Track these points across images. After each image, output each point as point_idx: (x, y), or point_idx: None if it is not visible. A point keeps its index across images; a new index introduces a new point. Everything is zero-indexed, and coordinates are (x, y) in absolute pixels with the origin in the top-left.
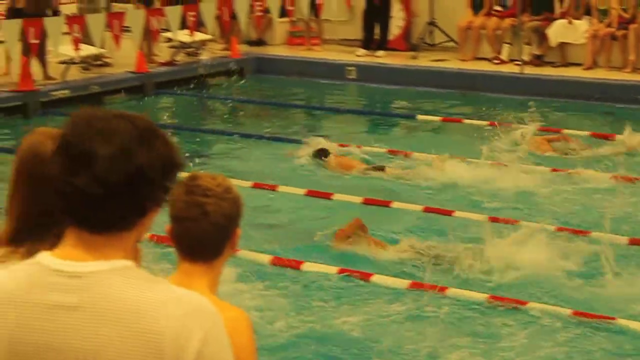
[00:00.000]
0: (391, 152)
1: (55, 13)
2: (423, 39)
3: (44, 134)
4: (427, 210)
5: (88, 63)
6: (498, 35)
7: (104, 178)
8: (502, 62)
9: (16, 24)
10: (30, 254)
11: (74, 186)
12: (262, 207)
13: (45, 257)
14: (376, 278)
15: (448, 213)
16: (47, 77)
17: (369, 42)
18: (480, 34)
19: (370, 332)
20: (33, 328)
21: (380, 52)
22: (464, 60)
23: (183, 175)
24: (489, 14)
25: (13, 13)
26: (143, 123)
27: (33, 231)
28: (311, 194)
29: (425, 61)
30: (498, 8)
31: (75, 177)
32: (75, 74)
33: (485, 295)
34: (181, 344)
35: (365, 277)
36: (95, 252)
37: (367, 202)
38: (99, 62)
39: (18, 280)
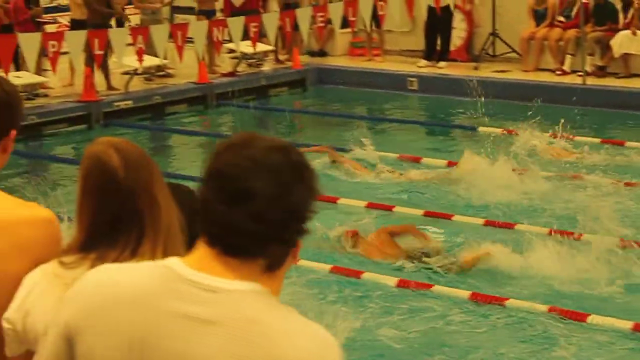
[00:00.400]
0: (451, 163)
1: (120, 23)
2: (485, 49)
3: (107, 144)
4: (488, 223)
5: (151, 74)
6: (561, 46)
7: (261, 216)
8: (565, 73)
9: (80, 35)
10: (100, 259)
11: (227, 219)
12: (322, 219)
13: (177, 264)
14: (436, 289)
15: (509, 226)
16: (110, 87)
17: (431, 53)
18: (543, 45)
19: (428, 342)
20: (159, 333)
21: (442, 63)
22: (526, 71)
23: None
24: (551, 25)
25: (76, 24)
26: (296, 155)
27: (103, 238)
28: (371, 206)
29: (487, 72)
30: (561, 19)
31: (231, 211)
32: (137, 84)
33: (545, 307)
34: None
35: (425, 287)
36: (230, 270)
37: (428, 214)
38: (161, 73)
39: (151, 282)
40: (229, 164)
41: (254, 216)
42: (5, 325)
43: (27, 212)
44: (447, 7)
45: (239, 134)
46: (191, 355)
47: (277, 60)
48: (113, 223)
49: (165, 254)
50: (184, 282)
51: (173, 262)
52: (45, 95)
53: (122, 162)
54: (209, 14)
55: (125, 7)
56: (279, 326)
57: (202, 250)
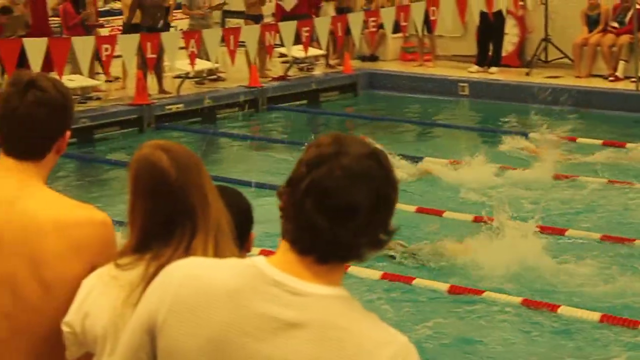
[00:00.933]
0: (502, 167)
1: (167, 26)
2: (537, 55)
3: (155, 146)
4: (543, 229)
5: (202, 77)
6: (614, 52)
7: (364, 228)
8: (618, 79)
9: (133, 38)
10: (155, 259)
11: (330, 234)
12: None
13: (264, 264)
14: (487, 294)
15: (561, 232)
16: (162, 91)
17: (483, 59)
18: (596, 51)
19: (480, 347)
20: (244, 332)
21: (493, 69)
22: (578, 77)
23: None
24: (604, 31)
25: (129, 28)
26: (385, 160)
27: (156, 238)
28: (420, 210)
29: (539, 78)
30: (614, 24)
31: (334, 226)
32: (189, 88)
33: (597, 314)
34: None
35: (477, 293)
36: (318, 275)
37: (477, 219)
38: (212, 77)
39: (239, 281)
40: (327, 178)
41: (359, 230)
42: (65, 328)
43: (83, 213)
44: (499, 13)
45: (326, 138)
46: (274, 357)
47: (328, 65)
48: (166, 223)
49: (217, 249)
50: (272, 283)
51: (260, 262)
52: (98, 99)
53: (172, 163)
54: (256, 18)
55: (174, 12)
56: (364, 333)
57: (289, 255)
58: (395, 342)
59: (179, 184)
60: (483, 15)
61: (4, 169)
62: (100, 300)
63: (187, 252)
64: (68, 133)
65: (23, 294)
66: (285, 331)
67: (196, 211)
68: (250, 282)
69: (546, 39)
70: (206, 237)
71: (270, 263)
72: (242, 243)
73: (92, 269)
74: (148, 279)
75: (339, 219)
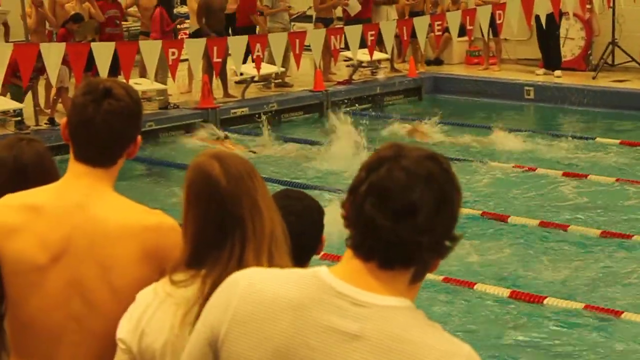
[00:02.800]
0: (565, 174)
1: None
2: (604, 59)
3: (209, 155)
4: (604, 234)
5: (268, 81)
6: None
7: (427, 227)
8: None
9: (200, 42)
10: (210, 275)
11: (394, 234)
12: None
13: (328, 276)
14: (549, 300)
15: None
16: (227, 94)
17: (549, 62)
18: None
19: (542, 356)
20: (307, 344)
21: (558, 72)
22: None
23: None
24: None
25: (194, 32)
26: (445, 162)
27: (208, 250)
28: (486, 215)
29: (605, 82)
30: None
31: (397, 226)
32: (253, 91)
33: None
34: None
35: (537, 300)
36: (381, 284)
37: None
38: (278, 81)
39: (302, 292)
40: (387, 178)
41: (420, 228)
42: (120, 345)
43: (153, 219)
44: (551, 16)
45: (386, 146)
46: None
47: (393, 69)
48: (217, 233)
49: (270, 261)
50: (335, 294)
51: (323, 272)
52: (176, 106)
53: (223, 171)
54: (326, 22)
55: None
56: (427, 344)
57: (353, 263)
58: (460, 353)
59: (228, 193)
60: (537, 18)
61: (75, 174)
62: (156, 318)
63: (240, 265)
64: (139, 138)
65: (92, 299)
66: (348, 343)
67: (246, 221)
68: (313, 293)
69: (613, 42)
70: (258, 249)
71: (333, 273)
72: (313, 247)
73: (162, 274)
74: (205, 297)
75: (400, 217)
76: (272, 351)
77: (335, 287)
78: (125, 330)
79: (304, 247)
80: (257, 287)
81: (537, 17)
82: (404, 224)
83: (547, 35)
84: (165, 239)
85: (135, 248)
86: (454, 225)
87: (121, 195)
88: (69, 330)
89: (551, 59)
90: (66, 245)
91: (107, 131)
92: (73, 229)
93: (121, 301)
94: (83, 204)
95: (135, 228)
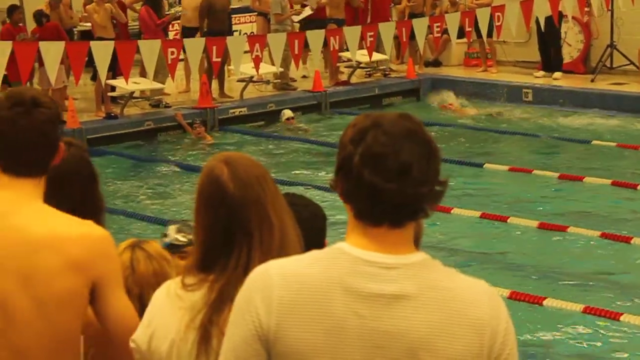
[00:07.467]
0: (562, 177)
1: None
2: (602, 61)
3: (220, 158)
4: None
5: (272, 81)
6: None
7: (424, 178)
8: None
9: (199, 42)
10: (217, 281)
11: (399, 193)
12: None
13: (350, 248)
14: (625, 317)
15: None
16: (222, 95)
17: (548, 64)
18: None
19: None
20: (358, 314)
21: (557, 74)
22: None
23: None
24: None
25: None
26: (417, 119)
27: (217, 254)
28: (484, 216)
29: (603, 84)
30: None
31: (400, 185)
32: (252, 91)
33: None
34: (495, 329)
35: (614, 316)
36: (397, 244)
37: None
38: (277, 81)
39: (334, 268)
40: (376, 144)
41: (418, 180)
42: (132, 345)
43: (81, 229)
44: (550, 19)
45: (358, 117)
46: (392, 332)
47: (391, 70)
48: (225, 239)
49: None
50: (364, 263)
51: (346, 247)
52: (167, 106)
53: (232, 177)
54: (339, 22)
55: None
56: (459, 286)
57: (366, 232)
58: (480, 283)
59: (235, 199)
60: (538, 21)
61: (1, 186)
62: (165, 320)
63: (246, 273)
64: (62, 145)
65: (14, 311)
66: (394, 304)
67: (253, 229)
68: (346, 267)
69: (612, 45)
70: (266, 256)
71: (353, 245)
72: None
73: (93, 285)
74: (210, 304)
75: (399, 176)
76: (327, 328)
77: (361, 256)
78: (138, 330)
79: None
80: (291, 274)
81: (538, 20)
82: (405, 181)
83: (549, 38)
84: (93, 250)
85: (59, 258)
86: (439, 170)
87: (48, 206)
88: None
89: (551, 61)
90: None
91: (43, 140)
92: None
93: (45, 313)
94: (3, 215)
95: (59, 238)
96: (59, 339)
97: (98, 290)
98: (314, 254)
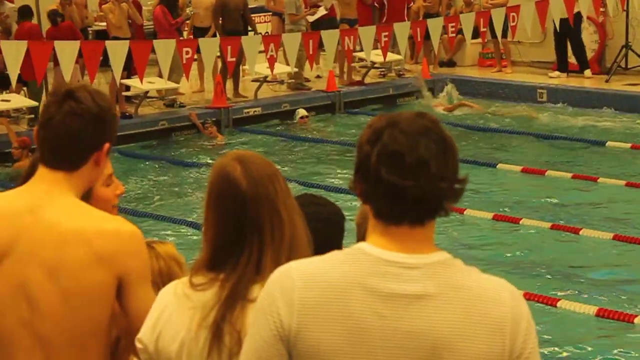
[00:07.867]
0: (575, 176)
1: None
2: (617, 62)
3: (232, 156)
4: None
5: (286, 81)
6: None
7: (441, 174)
8: None
9: (214, 42)
10: (228, 280)
11: (418, 190)
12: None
13: (371, 248)
14: None
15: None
16: (237, 94)
17: (563, 65)
18: None
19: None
20: (380, 314)
21: (587, 72)
22: None
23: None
24: None
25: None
26: (433, 116)
27: (227, 252)
28: (497, 217)
29: (618, 85)
30: None
31: (419, 182)
32: (266, 91)
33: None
34: (516, 328)
35: (628, 319)
36: (418, 243)
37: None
38: (292, 81)
39: (354, 269)
40: (392, 143)
41: (436, 176)
42: (138, 345)
43: (109, 225)
44: (566, 20)
45: (376, 119)
46: (414, 331)
47: (405, 70)
48: (235, 237)
49: None
50: (385, 263)
51: (367, 247)
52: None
53: (244, 174)
54: (351, 22)
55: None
56: (480, 285)
57: (387, 231)
58: (501, 282)
59: (248, 196)
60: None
61: (37, 178)
62: (173, 320)
63: (258, 270)
64: (107, 146)
65: (39, 303)
66: (415, 303)
67: (265, 226)
68: (367, 267)
69: (627, 46)
70: (277, 255)
71: (374, 245)
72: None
73: (119, 280)
74: (222, 302)
75: (416, 173)
76: (348, 329)
77: (382, 256)
78: (143, 330)
79: (328, 252)
80: (313, 274)
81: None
82: (422, 177)
83: (570, 38)
84: (122, 246)
85: (87, 252)
86: (458, 167)
87: (80, 201)
88: (20, 336)
89: (578, 61)
90: (8, 248)
91: (64, 132)
92: (19, 232)
93: (74, 306)
94: (34, 208)
95: (87, 233)
96: (85, 330)
97: (124, 286)
98: (335, 254)
